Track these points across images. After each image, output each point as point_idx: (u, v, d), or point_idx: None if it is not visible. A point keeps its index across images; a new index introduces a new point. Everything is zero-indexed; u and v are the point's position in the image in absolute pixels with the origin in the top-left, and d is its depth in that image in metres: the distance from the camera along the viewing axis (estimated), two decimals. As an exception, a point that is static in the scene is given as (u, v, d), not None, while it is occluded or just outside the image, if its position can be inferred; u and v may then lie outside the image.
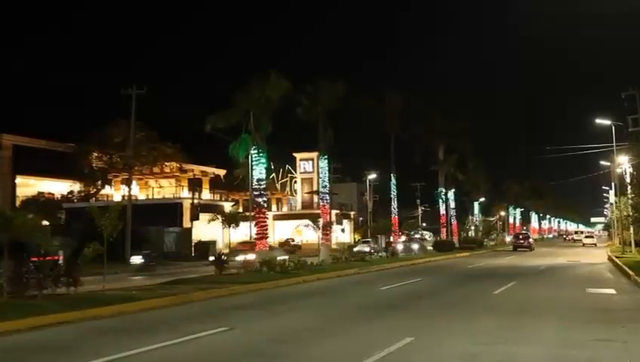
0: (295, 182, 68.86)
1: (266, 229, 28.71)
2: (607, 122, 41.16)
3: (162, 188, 55.49)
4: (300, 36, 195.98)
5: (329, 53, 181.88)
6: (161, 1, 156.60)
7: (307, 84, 33.07)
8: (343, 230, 62.29)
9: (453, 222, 58.68)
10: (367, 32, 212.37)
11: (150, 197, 53.67)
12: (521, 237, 58.57)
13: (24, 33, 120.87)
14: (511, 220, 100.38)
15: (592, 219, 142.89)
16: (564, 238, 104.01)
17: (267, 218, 30.27)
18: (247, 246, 29.92)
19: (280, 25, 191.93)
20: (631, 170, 41.02)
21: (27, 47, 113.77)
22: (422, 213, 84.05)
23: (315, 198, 55.79)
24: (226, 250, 38.78)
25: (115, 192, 52.89)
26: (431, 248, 50.30)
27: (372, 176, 68.72)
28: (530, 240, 57.87)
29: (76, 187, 51.13)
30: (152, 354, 8.72)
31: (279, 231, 62.06)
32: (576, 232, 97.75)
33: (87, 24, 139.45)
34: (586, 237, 75.23)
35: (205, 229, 43.85)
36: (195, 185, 49.62)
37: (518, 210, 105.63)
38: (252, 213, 34.53)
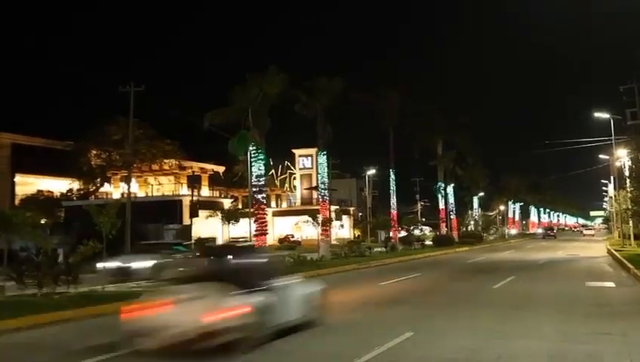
0: (294, 178, 68.83)
1: (266, 225, 28.75)
2: (605, 115, 41.16)
3: (161, 186, 55.40)
4: (300, 36, 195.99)
5: (329, 52, 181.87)
6: (162, 0, 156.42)
7: (306, 80, 33.04)
8: (342, 226, 62.33)
9: (453, 217, 58.69)
10: (366, 32, 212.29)
11: (149, 194, 53.59)
12: (548, 229, 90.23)
13: (23, 32, 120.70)
14: (510, 214, 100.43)
15: (592, 213, 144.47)
16: (572, 230, 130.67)
17: (266, 214, 30.30)
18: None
19: (280, 24, 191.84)
20: (630, 163, 41.03)
21: (26, 45, 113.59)
22: (421, 208, 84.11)
23: (315, 194, 55.77)
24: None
25: (114, 190, 52.80)
26: (430, 243, 50.25)
27: (371, 171, 68.74)
28: (555, 231, 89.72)
29: (75, 185, 51.04)
30: (150, 351, 8.69)
31: (279, 228, 62.06)
32: (582, 225, 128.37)
33: (87, 23, 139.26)
34: (586, 229, 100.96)
35: (205, 226, 43.80)
36: (194, 182, 49.55)
37: (518, 205, 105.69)
38: (251, 210, 34.51)
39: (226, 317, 8.02)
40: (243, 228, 45.11)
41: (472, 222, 72.45)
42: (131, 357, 8.39)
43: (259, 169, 28.69)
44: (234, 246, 23.16)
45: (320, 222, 33.55)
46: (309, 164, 64.84)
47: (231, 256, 11.74)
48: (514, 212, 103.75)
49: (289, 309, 9.56)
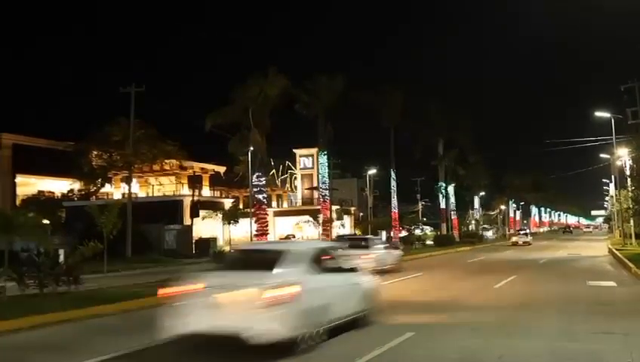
0: (295, 178, 68.75)
1: (266, 225, 28.78)
2: (606, 115, 41.13)
3: (162, 186, 55.38)
4: (300, 33, 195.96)
5: (329, 51, 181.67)
6: (162, 1, 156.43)
7: (307, 80, 32.98)
8: (343, 225, 62.31)
9: (454, 216, 58.66)
10: (366, 32, 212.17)
11: (150, 194, 53.59)
12: (566, 227, 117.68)
13: (25, 32, 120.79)
14: (511, 214, 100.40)
15: (593, 212, 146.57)
16: (581, 229, 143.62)
17: (267, 214, 30.30)
18: None
19: (280, 24, 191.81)
20: (631, 162, 41.00)
21: (27, 45, 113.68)
22: (422, 208, 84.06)
23: (316, 194, 55.76)
24: (227, 247, 38.81)
25: (115, 190, 52.79)
26: (431, 242, 50.30)
27: (372, 171, 68.66)
28: (572, 228, 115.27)
29: (76, 185, 51.02)
30: (152, 352, 8.71)
31: (280, 227, 61.96)
32: (586, 226, 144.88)
33: (88, 23, 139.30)
34: (586, 227, 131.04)
35: (206, 226, 43.79)
36: (195, 182, 49.51)
37: (519, 204, 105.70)
38: (252, 210, 34.49)
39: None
40: (244, 228, 45.17)
41: (472, 222, 72.39)
42: (131, 356, 8.37)
43: (260, 169, 28.68)
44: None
45: (321, 221, 33.51)
46: (310, 163, 64.75)
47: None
48: (515, 211, 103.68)
49: None
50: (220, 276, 8.89)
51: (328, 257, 10.06)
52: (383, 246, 23.99)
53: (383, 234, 58.61)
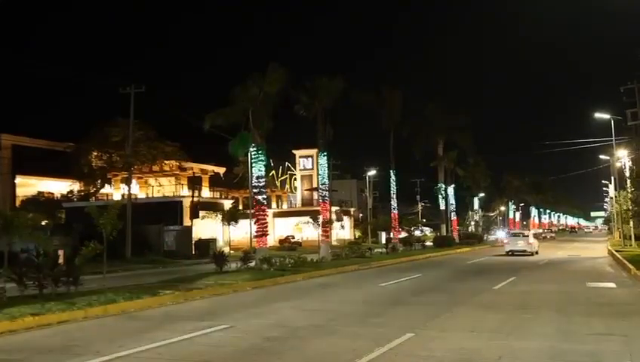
0: (295, 179, 68.78)
1: (266, 226, 28.65)
2: (606, 116, 41.18)
3: (162, 187, 55.34)
4: (300, 35, 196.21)
5: (328, 51, 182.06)
6: (162, 2, 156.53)
7: (306, 80, 32.94)
8: (343, 226, 62.31)
9: (453, 217, 58.66)
10: (366, 31, 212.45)
11: (150, 195, 53.55)
12: (572, 228, 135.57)
13: (24, 32, 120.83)
14: (511, 215, 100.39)
15: (592, 214, 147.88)
16: (584, 230, 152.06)
17: (267, 215, 30.17)
18: None
19: (280, 24, 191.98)
20: (630, 164, 41.07)
21: (26, 46, 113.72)
22: (422, 209, 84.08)
23: (315, 195, 55.76)
24: (226, 248, 38.80)
25: (114, 191, 52.77)
26: (430, 244, 50.36)
27: (372, 172, 68.76)
28: (576, 229, 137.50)
29: (76, 186, 51.04)
30: (152, 353, 8.70)
31: (279, 229, 62.03)
32: (586, 227, 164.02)
33: (88, 23, 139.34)
34: (586, 228, 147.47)
35: (205, 227, 43.77)
36: (194, 183, 49.49)
37: (519, 205, 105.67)
38: (252, 211, 34.47)
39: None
40: (244, 229, 45.12)
41: (472, 223, 72.38)
42: (131, 357, 8.38)
43: (259, 170, 28.62)
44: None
45: (320, 223, 33.49)
46: (310, 164, 64.78)
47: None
48: (514, 213, 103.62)
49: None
50: (513, 237, 41.45)
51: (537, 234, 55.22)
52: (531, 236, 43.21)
53: (383, 236, 58.73)
